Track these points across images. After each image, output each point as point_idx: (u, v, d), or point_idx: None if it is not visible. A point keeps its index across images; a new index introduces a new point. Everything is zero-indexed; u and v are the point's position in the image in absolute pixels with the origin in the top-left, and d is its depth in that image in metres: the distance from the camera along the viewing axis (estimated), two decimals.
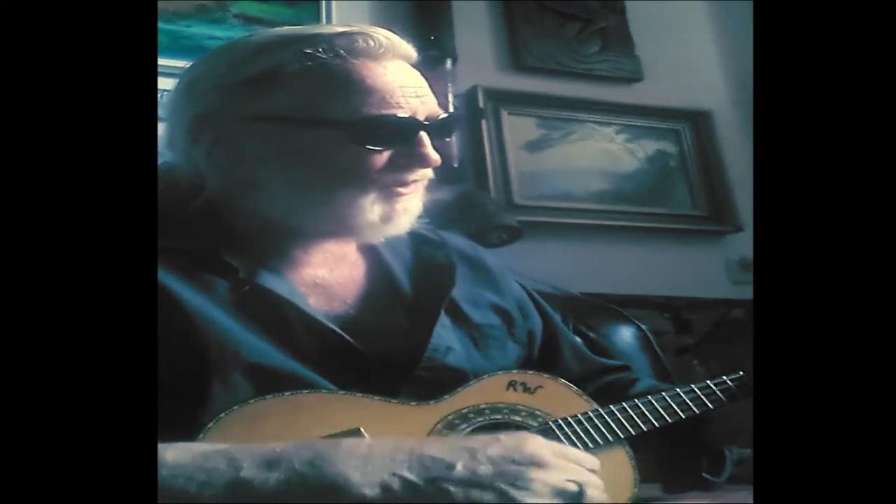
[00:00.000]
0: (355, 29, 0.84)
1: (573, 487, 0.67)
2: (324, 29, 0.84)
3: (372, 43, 0.83)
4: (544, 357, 1.00)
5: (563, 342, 1.05)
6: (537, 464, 0.67)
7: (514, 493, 0.64)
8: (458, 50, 2.17)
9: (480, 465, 0.66)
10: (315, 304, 0.86)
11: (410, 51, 0.88)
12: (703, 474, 0.91)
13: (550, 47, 2.36)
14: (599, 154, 2.31)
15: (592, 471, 0.71)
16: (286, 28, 0.88)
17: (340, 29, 0.84)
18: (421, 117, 0.84)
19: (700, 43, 2.57)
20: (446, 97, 2.02)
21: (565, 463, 0.69)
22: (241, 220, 0.87)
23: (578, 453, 0.73)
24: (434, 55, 2.04)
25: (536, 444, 0.69)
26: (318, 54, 0.82)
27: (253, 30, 2.04)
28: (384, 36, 0.84)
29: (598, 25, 2.45)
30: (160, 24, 1.92)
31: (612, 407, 0.85)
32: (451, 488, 0.64)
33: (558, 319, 1.09)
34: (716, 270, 2.30)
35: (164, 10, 1.96)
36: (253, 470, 0.63)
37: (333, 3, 2.14)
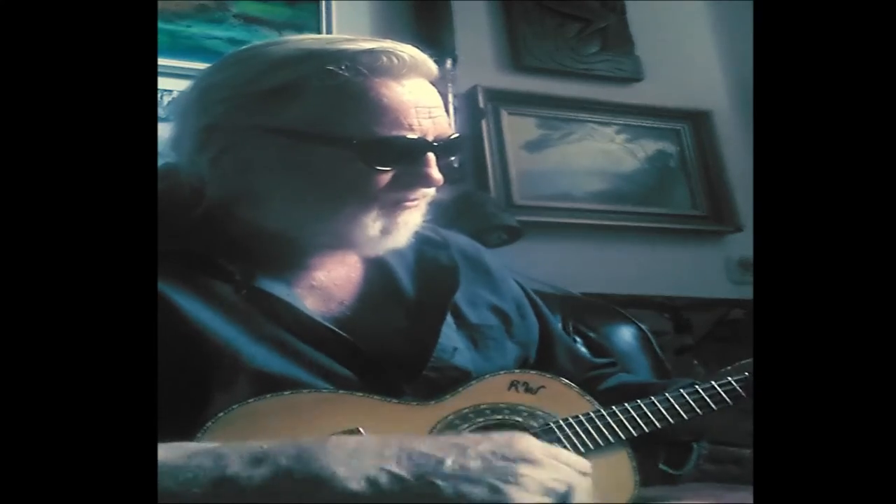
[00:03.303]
0: (381, 46, 0.82)
1: (562, 488, 0.67)
2: (348, 45, 0.83)
3: (396, 61, 0.82)
4: (540, 359, 1.00)
5: (558, 344, 1.05)
6: (528, 461, 0.67)
7: (503, 487, 0.64)
8: (458, 50, 2.17)
9: (470, 460, 0.65)
10: (311, 306, 0.86)
11: (433, 68, 0.87)
12: (660, 465, 0.90)
13: (550, 47, 2.36)
14: (599, 154, 2.31)
15: (583, 473, 0.70)
16: (309, 40, 0.87)
17: (366, 45, 0.82)
18: (430, 138, 0.83)
19: (700, 43, 2.57)
20: (446, 97, 2.02)
21: (556, 463, 0.69)
22: (239, 228, 0.87)
23: (570, 455, 0.72)
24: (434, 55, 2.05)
25: (527, 443, 0.69)
26: (340, 71, 0.81)
27: (253, 30, 2.06)
28: (409, 54, 0.83)
29: (598, 25, 2.45)
30: (160, 24, 1.92)
31: (614, 408, 0.85)
32: (440, 483, 0.63)
33: (555, 321, 1.09)
34: (716, 270, 2.30)
35: (164, 10, 1.96)
36: (238, 467, 0.63)
37: (333, 3, 2.14)
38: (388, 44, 0.83)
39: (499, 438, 0.69)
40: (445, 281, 0.95)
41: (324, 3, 2.13)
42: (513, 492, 0.64)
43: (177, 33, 1.98)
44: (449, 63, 2.11)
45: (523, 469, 0.66)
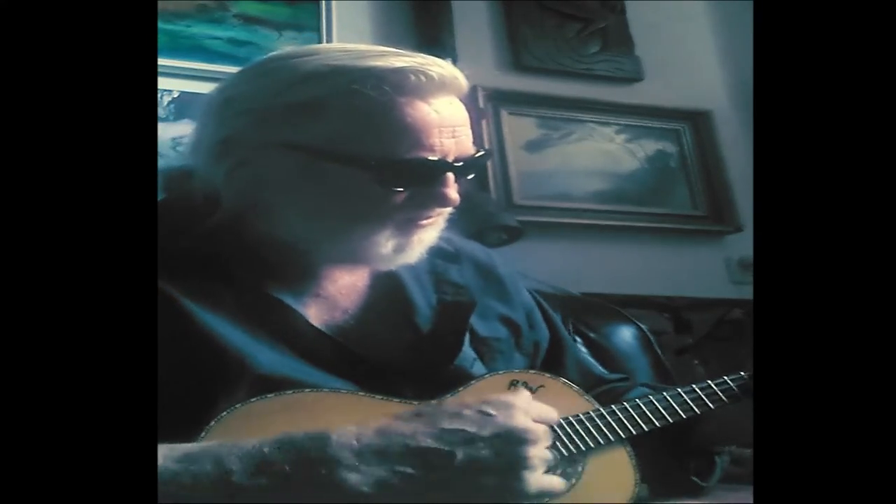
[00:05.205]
0: (411, 64, 0.80)
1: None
2: (378, 61, 0.80)
3: (424, 79, 0.80)
4: (548, 368, 1.00)
5: (568, 355, 1.05)
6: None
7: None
8: (458, 50, 2.17)
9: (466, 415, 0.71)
10: (316, 315, 0.86)
11: (463, 84, 0.86)
12: (692, 477, 0.90)
13: (550, 47, 2.36)
14: (599, 154, 2.31)
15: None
16: (337, 52, 0.84)
17: (397, 63, 0.80)
18: (451, 157, 0.82)
19: (700, 43, 2.57)
20: None
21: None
22: (251, 237, 0.86)
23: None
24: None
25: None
26: (365, 91, 0.79)
27: (253, 30, 2.06)
28: (438, 72, 0.81)
29: (598, 25, 2.45)
30: (160, 24, 1.92)
31: (613, 406, 0.85)
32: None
33: (566, 332, 1.09)
34: (716, 270, 2.30)
35: (164, 10, 1.96)
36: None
37: (333, 3, 2.14)
38: (419, 60, 0.81)
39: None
40: (460, 295, 0.94)
41: (324, 3, 2.13)
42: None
43: (177, 33, 1.98)
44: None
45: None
